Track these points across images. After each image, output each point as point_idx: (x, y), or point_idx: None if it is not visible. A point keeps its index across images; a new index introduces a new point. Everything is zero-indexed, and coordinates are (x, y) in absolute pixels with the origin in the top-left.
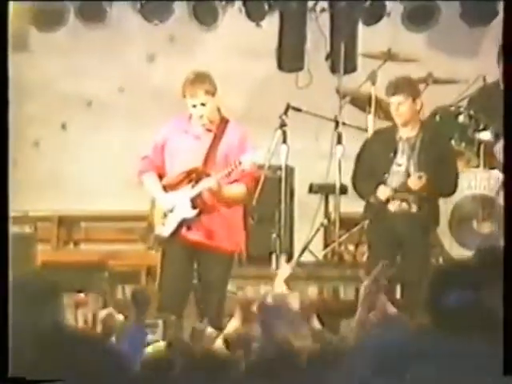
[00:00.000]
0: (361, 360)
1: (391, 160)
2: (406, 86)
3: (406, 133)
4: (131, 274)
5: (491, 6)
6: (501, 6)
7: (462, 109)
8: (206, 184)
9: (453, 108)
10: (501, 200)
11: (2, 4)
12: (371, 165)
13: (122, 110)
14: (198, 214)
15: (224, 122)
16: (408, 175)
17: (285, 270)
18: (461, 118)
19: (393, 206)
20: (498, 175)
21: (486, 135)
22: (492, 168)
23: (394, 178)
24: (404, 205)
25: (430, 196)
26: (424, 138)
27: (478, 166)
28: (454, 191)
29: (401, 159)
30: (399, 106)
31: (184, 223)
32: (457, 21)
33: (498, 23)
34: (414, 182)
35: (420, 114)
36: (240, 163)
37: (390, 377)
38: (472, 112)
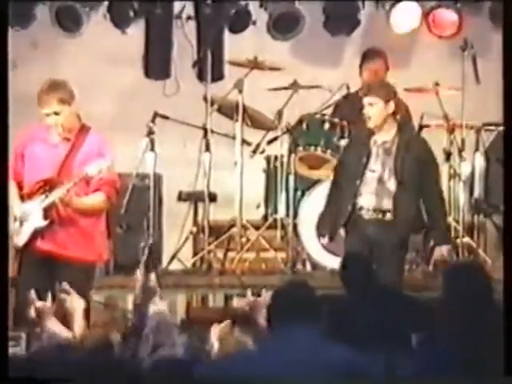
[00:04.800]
0: None
1: (364, 165)
2: (379, 88)
3: (381, 137)
4: None
5: (353, 16)
6: (362, 16)
7: (326, 116)
8: (56, 194)
9: (318, 116)
10: None
11: (2, 4)
12: (347, 171)
13: None
14: (50, 224)
15: (84, 130)
16: (381, 182)
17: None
18: (326, 126)
19: (367, 214)
20: None
21: None
22: None
23: (367, 185)
24: (377, 214)
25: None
26: (400, 142)
27: None
28: (441, 198)
29: (375, 165)
30: (369, 107)
31: (37, 233)
32: (320, 30)
33: (359, 33)
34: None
35: (395, 117)
36: (86, 174)
37: None
38: (336, 120)
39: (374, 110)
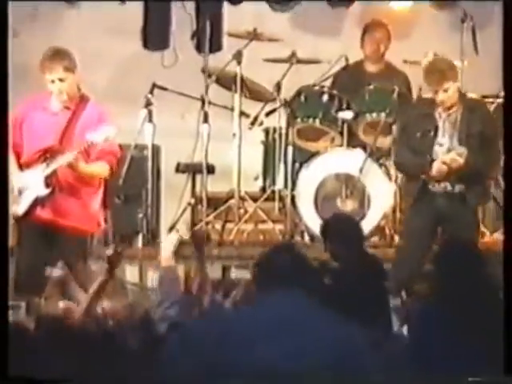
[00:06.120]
0: None
1: (432, 140)
2: (449, 73)
3: (446, 109)
4: None
5: None
6: None
7: (325, 88)
8: (61, 161)
9: (316, 87)
10: (363, 178)
11: (2, 4)
12: (413, 141)
13: None
14: (52, 193)
15: (84, 100)
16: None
17: (170, 239)
18: (324, 98)
19: (435, 187)
20: (360, 154)
21: (348, 114)
22: (354, 147)
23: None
24: (446, 185)
25: (474, 174)
26: (464, 112)
27: (341, 145)
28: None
29: (442, 138)
30: (444, 93)
31: (38, 202)
32: (320, 1)
33: (359, 5)
34: (453, 160)
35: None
36: (92, 142)
37: None
38: (335, 91)
39: (450, 92)
